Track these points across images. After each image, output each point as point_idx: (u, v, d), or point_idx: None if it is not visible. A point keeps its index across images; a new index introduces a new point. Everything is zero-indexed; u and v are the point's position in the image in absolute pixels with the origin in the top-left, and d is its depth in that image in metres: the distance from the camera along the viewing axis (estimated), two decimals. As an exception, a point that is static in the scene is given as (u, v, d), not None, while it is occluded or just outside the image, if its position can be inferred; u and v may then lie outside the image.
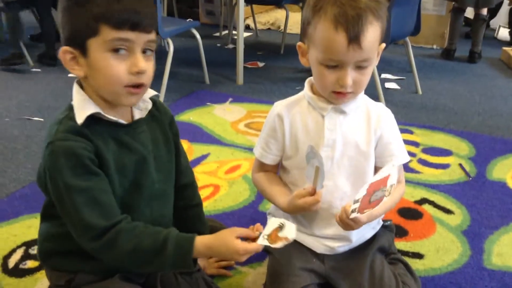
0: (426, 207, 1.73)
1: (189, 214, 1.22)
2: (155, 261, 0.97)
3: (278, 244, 1.00)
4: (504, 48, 3.95)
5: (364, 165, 1.17)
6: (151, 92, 1.06)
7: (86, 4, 0.91)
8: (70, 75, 3.17)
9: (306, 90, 1.18)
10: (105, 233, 0.95)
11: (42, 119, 2.45)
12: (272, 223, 1.03)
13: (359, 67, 1.05)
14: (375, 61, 1.10)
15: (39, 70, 3.32)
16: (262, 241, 0.99)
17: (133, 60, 0.94)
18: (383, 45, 1.11)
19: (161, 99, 2.70)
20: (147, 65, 0.96)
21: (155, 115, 1.10)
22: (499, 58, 3.98)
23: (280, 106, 1.21)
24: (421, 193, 1.81)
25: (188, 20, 4.08)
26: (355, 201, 1.01)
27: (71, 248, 1.02)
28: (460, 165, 2.05)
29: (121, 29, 0.91)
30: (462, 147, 2.24)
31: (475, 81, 3.35)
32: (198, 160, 2.03)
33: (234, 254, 0.98)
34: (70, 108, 0.98)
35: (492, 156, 2.16)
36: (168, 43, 2.75)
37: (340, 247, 1.21)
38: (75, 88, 1.00)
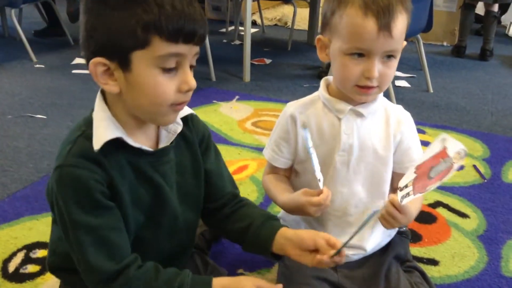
0: (440, 211, 1.67)
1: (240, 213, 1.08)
2: None
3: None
4: (517, 45, 3.87)
5: (381, 170, 1.11)
6: (184, 111, 0.93)
7: (133, 8, 0.77)
8: (75, 71, 3.13)
9: (322, 91, 1.12)
10: (112, 279, 0.85)
11: (45, 117, 2.41)
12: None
13: (386, 59, 1.00)
14: (399, 58, 1.04)
15: (42, 66, 3.27)
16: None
17: (183, 77, 0.83)
18: (405, 42, 1.05)
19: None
20: (195, 81, 0.85)
21: (186, 137, 0.97)
22: (511, 55, 3.91)
23: (293, 107, 1.14)
24: (434, 196, 1.75)
25: (194, 15, 4.02)
26: (402, 188, 0.95)
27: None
28: (475, 166, 1.99)
29: (175, 42, 0.79)
30: (476, 148, 2.18)
31: (488, 80, 3.28)
32: (204, 160, 1.97)
33: None
34: (89, 124, 0.86)
35: (507, 157, 2.09)
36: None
37: (355, 255, 1.16)
38: (98, 100, 0.87)
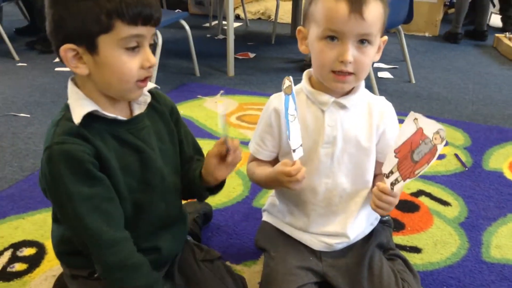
0: (423, 199, 1.70)
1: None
2: None
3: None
4: (497, 35, 3.93)
5: (364, 161, 1.13)
6: (149, 85, 1.02)
7: None
8: (58, 69, 3.11)
9: (304, 83, 1.13)
10: (112, 245, 0.93)
11: (28, 115, 2.39)
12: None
13: (360, 43, 1.01)
14: (376, 47, 1.05)
15: (25, 64, 3.25)
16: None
17: (144, 55, 0.92)
18: (385, 38, 1.07)
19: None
20: (154, 58, 0.95)
21: (156, 107, 1.06)
22: (491, 45, 3.96)
23: (277, 100, 1.14)
24: (417, 185, 1.78)
25: (176, 11, 4.01)
26: (387, 175, 0.98)
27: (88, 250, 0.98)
28: (456, 155, 2.02)
29: (135, 25, 0.88)
30: (457, 137, 2.22)
31: (468, 69, 3.33)
32: (190, 155, 1.98)
33: None
34: (67, 108, 0.94)
35: (487, 145, 2.13)
36: (156, 35, 2.70)
37: (338, 244, 1.18)
38: (70, 86, 0.95)
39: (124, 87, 0.92)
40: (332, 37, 1.00)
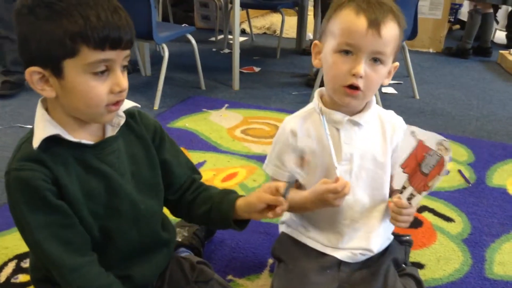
0: (426, 215, 1.70)
1: (200, 197, 1.13)
2: None
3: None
4: (501, 51, 3.94)
5: (381, 176, 1.15)
6: (126, 105, 0.98)
7: (60, 20, 0.81)
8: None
9: (317, 103, 1.15)
10: (74, 271, 0.91)
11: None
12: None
13: (373, 61, 1.04)
14: (387, 69, 1.08)
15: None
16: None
17: (114, 79, 0.87)
18: (397, 64, 1.11)
19: (156, 105, 2.68)
20: (126, 81, 0.90)
21: (133, 129, 1.02)
22: (496, 61, 3.98)
23: (292, 122, 1.17)
24: (421, 201, 1.78)
25: (183, 25, 4.05)
26: (401, 190, 1.01)
27: None
28: (460, 171, 2.03)
29: (102, 50, 0.83)
30: (461, 153, 2.22)
31: (473, 85, 3.34)
32: (194, 168, 1.99)
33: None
34: (33, 131, 0.90)
35: (491, 162, 2.14)
36: (163, 48, 2.73)
37: (362, 255, 1.19)
38: (38, 107, 0.92)
39: (93, 111, 0.89)
40: (346, 51, 1.03)
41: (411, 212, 1.04)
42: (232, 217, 1.06)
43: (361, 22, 1.01)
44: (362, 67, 1.02)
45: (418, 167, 0.98)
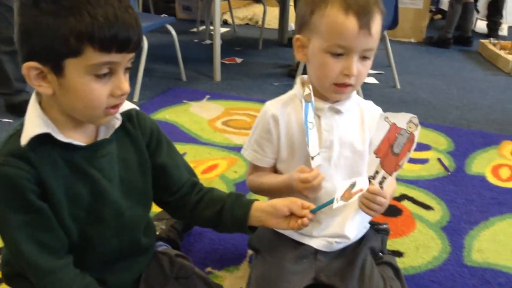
0: (406, 204, 1.71)
1: (205, 200, 1.10)
2: None
3: (354, 198, 0.99)
4: (482, 40, 3.97)
5: (359, 164, 1.14)
6: (124, 107, 0.93)
7: (67, 17, 0.76)
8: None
9: (299, 89, 1.14)
10: (48, 274, 0.88)
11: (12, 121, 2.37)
12: (343, 185, 1.00)
13: (363, 58, 1.03)
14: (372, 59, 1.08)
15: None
16: (337, 204, 0.98)
17: (116, 82, 0.84)
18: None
19: (135, 97, 2.65)
20: (128, 84, 0.87)
21: (129, 132, 0.98)
22: (476, 50, 4.01)
23: (273, 106, 1.15)
24: (400, 189, 1.79)
25: (163, 15, 4.01)
26: (374, 176, 1.00)
27: None
28: (439, 159, 2.04)
29: (109, 52, 0.79)
30: (440, 142, 2.23)
31: (453, 75, 3.36)
32: (174, 160, 1.97)
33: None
34: (23, 124, 0.86)
35: (471, 150, 2.15)
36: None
37: (338, 243, 1.19)
38: (32, 99, 0.88)
39: (91, 113, 0.85)
40: (338, 52, 1.02)
41: (383, 202, 1.03)
42: (248, 222, 1.03)
43: (352, 23, 0.99)
44: (355, 66, 1.02)
45: (390, 149, 0.99)
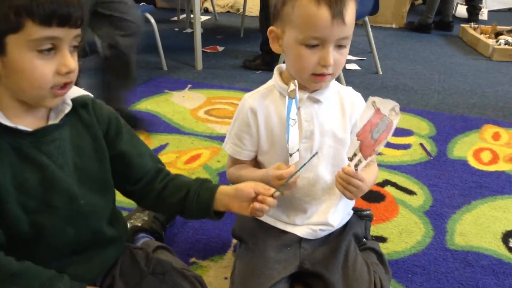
0: (389, 189, 1.72)
1: (170, 187, 1.08)
2: None
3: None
4: (462, 25, 3.99)
5: (342, 152, 1.14)
6: (76, 92, 0.92)
7: None
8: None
9: (277, 80, 1.13)
10: None
11: None
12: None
13: (339, 46, 1.02)
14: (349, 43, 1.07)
15: None
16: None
17: (61, 59, 0.82)
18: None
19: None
20: (76, 63, 0.85)
21: (83, 119, 0.95)
22: (457, 35, 4.03)
23: (251, 99, 1.14)
24: (383, 175, 1.80)
25: (141, 4, 3.95)
26: (351, 158, 1.00)
27: None
28: (421, 144, 2.05)
29: (49, 26, 0.78)
30: (422, 127, 2.25)
31: (434, 60, 3.38)
32: (156, 151, 1.95)
33: None
34: None
35: (452, 134, 2.17)
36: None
37: (322, 231, 1.19)
38: None
39: (37, 93, 0.83)
40: (313, 44, 1.00)
41: (360, 185, 1.03)
42: (213, 206, 1.02)
43: (324, 14, 0.97)
44: (331, 56, 1.01)
45: (370, 133, 0.99)
